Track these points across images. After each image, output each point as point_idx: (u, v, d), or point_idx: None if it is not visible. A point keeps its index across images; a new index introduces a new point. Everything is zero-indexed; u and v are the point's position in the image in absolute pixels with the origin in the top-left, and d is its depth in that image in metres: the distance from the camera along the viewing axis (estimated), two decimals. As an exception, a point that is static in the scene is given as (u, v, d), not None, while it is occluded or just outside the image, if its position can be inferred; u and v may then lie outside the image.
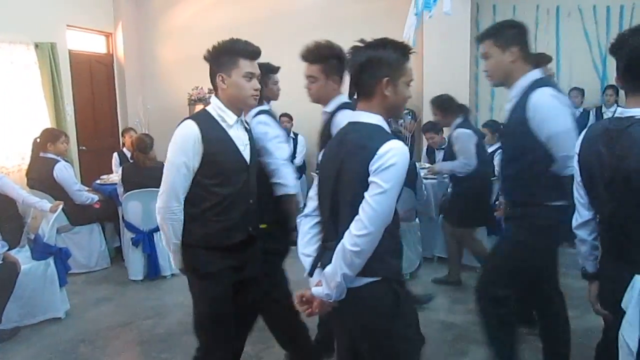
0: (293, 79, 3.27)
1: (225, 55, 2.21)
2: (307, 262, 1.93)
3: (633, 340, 1.73)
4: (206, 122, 2.20)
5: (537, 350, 3.29)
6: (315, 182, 2.02)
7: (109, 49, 7.85)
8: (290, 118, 6.62)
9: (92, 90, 7.37)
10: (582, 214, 2.05)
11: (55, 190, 4.56)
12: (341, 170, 1.81)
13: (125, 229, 4.76)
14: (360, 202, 1.72)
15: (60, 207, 4.04)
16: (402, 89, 1.84)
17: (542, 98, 2.39)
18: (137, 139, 4.93)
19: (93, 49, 7.58)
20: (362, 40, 1.84)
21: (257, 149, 2.42)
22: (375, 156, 1.71)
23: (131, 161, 5.40)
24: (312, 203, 2.01)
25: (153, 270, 4.65)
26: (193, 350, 2.36)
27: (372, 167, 1.71)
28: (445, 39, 6.48)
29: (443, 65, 6.73)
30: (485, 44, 2.58)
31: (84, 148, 6.93)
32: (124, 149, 6.35)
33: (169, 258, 4.61)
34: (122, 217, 4.82)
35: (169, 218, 2.17)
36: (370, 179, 1.71)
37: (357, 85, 1.86)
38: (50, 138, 4.72)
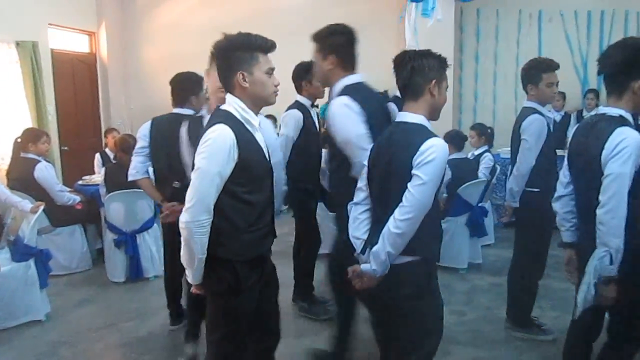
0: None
1: (243, 51, 2.04)
2: (357, 243, 2.20)
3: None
4: (236, 125, 2.01)
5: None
6: (364, 175, 2.24)
7: (92, 48, 7.78)
8: (275, 119, 6.62)
9: (75, 90, 7.30)
10: (559, 190, 2.48)
11: (36, 190, 4.51)
12: (390, 164, 2.06)
13: (108, 230, 4.72)
14: (405, 192, 1.96)
15: (41, 208, 3.99)
16: (444, 92, 2.12)
17: (334, 107, 2.56)
18: (121, 139, 4.89)
19: (76, 48, 7.50)
20: (411, 50, 2.12)
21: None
22: (418, 152, 1.96)
23: (114, 162, 5.36)
24: (362, 193, 2.25)
25: (135, 272, 4.61)
26: (175, 352, 2.33)
27: (415, 161, 1.96)
28: (429, 43, 6.50)
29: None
30: (313, 47, 2.79)
31: (66, 148, 6.85)
32: (107, 150, 6.29)
33: (152, 259, 4.67)
34: (105, 219, 4.77)
35: (197, 232, 1.96)
36: (413, 171, 1.96)
37: (406, 87, 2.10)
38: (31, 138, 4.66)
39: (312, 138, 3.76)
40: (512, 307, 3.54)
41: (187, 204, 1.97)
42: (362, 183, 2.26)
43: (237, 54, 2.04)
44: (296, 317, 3.83)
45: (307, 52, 3.89)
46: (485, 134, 5.53)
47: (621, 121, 2.14)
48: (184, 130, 2.98)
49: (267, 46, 2.08)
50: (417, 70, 2.07)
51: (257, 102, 2.11)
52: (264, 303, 2.27)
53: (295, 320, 3.78)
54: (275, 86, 2.14)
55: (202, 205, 1.96)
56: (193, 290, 2.17)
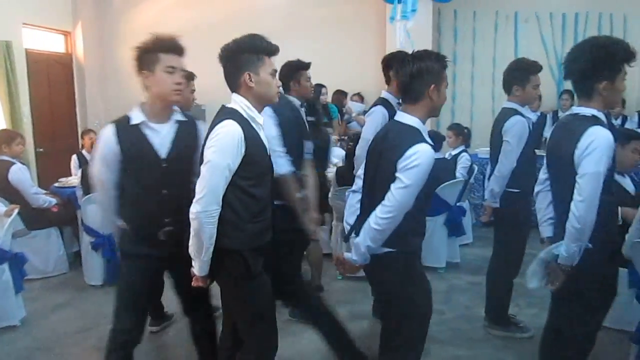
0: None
1: (249, 53, 2.17)
2: (347, 229, 2.41)
3: (530, 269, 2.33)
4: (242, 121, 2.13)
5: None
6: (363, 164, 2.36)
7: (68, 48, 7.66)
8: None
9: (50, 91, 7.18)
10: (538, 186, 2.56)
11: (10, 193, 4.43)
12: (379, 161, 2.19)
13: (85, 233, 4.65)
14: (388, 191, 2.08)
15: (16, 211, 3.92)
16: (443, 92, 2.20)
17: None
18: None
19: (51, 48, 7.38)
20: (411, 53, 2.20)
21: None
22: (403, 156, 2.06)
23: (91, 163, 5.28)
24: (359, 181, 2.39)
25: (113, 275, 4.53)
26: (154, 355, 2.33)
27: (399, 164, 2.07)
28: (408, 44, 6.57)
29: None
30: None
31: (41, 150, 6.73)
32: (84, 151, 6.18)
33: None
34: (81, 221, 4.70)
35: (207, 222, 2.07)
36: (396, 174, 2.07)
37: (405, 91, 2.20)
38: (5, 139, 4.57)
39: (303, 139, 3.73)
40: (490, 305, 3.59)
41: (198, 195, 2.07)
42: (360, 171, 2.41)
43: (245, 55, 2.17)
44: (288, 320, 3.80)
45: (289, 52, 3.88)
46: (462, 134, 5.59)
47: (594, 121, 2.18)
48: None
49: (271, 49, 2.22)
50: (416, 76, 2.14)
51: (262, 101, 2.24)
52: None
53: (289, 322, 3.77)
54: (278, 87, 2.30)
55: (212, 196, 2.06)
56: (194, 283, 2.22)
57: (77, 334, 3.68)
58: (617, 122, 6.84)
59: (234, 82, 2.21)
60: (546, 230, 2.51)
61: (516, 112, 3.26)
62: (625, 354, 2.96)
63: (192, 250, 2.14)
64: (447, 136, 5.52)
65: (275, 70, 2.26)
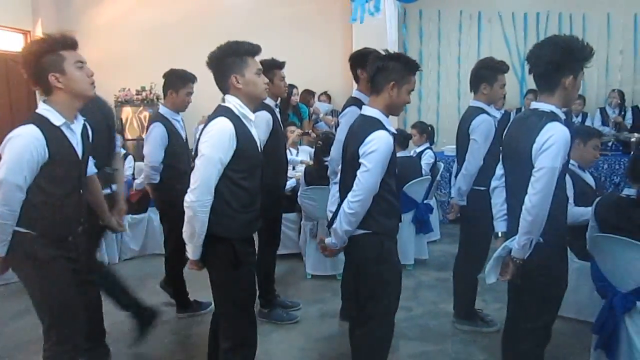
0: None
1: (233, 57, 2.33)
2: (329, 216, 2.66)
3: (489, 278, 2.40)
4: (234, 119, 2.28)
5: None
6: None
7: (27, 48, 7.44)
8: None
9: (9, 92, 6.97)
10: (494, 182, 2.60)
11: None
12: (347, 151, 2.47)
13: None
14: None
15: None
16: (404, 94, 2.39)
17: None
18: None
19: (9, 48, 7.16)
20: (385, 50, 2.47)
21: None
22: (363, 142, 2.29)
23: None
24: (339, 174, 2.65)
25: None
26: (124, 356, 2.27)
27: (361, 151, 2.30)
28: (373, 43, 6.58)
29: (372, 67, 6.86)
30: None
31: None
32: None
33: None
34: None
35: (201, 211, 2.22)
36: (360, 160, 2.30)
37: (371, 83, 2.42)
38: None
39: (280, 139, 3.71)
40: (457, 301, 3.63)
41: (193, 186, 2.23)
42: (330, 170, 2.80)
43: (227, 60, 2.33)
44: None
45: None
46: (426, 131, 5.65)
47: (552, 117, 2.22)
48: None
49: (254, 50, 2.38)
50: (381, 70, 2.37)
51: (251, 99, 2.40)
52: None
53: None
54: (266, 84, 2.44)
55: (205, 187, 2.22)
56: (189, 265, 2.41)
57: (38, 343, 3.56)
58: (577, 119, 7.02)
59: (223, 86, 2.37)
60: (500, 225, 2.54)
61: (482, 111, 3.30)
62: (587, 343, 3.03)
63: (185, 235, 2.30)
64: (412, 134, 5.57)
65: (261, 70, 2.39)
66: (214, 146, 2.22)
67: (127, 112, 7.39)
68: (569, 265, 3.46)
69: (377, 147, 2.28)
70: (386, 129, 2.34)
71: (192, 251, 2.33)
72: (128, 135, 7.29)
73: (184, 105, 3.70)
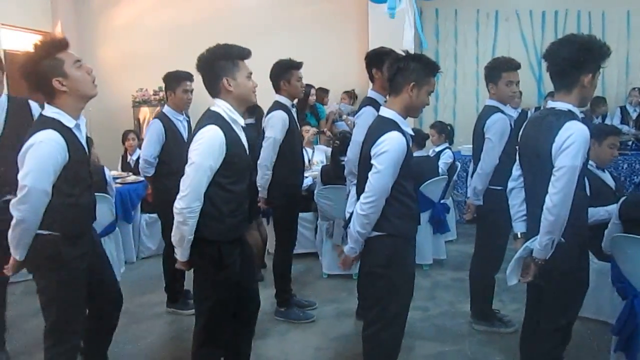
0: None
1: (225, 60, 2.33)
2: (347, 217, 2.65)
3: (511, 279, 2.36)
4: (224, 125, 2.30)
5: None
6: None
7: (47, 49, 7.55)
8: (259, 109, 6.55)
9: (30, 91, 7.07)
10: (511, 183, 2.57)
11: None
12: (362, 152, 2.47)
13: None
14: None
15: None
16: (423, 95, 2.36)
17: None
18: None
19: (29, 49, 7.27)
20: (404, 51, 2.43)
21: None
22: (375, 143, 2.28)
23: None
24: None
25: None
26: (140, 356, 2.31)
27: (372, 152, 2.30)
28: (390, 41, 6.58)
29: (388, 67, 6.85)
30: None
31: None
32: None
33: (113, 264, 4.52)
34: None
35: (190, 217, 2.24)
36: (371, 161, 2.29)
37: (390, 84, 2.39)
38: None
39: (296, 139, 3.74)
40: (474, 301, 3.61)
41: (182, 193, 2.24)
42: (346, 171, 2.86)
43: (219, 63, 2.33)
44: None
45: (271, 51, 3.89)
46: (445, 131, 5.63)
47: (570, 115, 2.21)
48: None
49: (245, 53, 2.39)
50: (401, 71, 2.34)
51: (241, 102, 2.41)
52: (245, 276, 2.55)
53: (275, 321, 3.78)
54: (255, 87, 2.44)
55: (195, 194, 2.24)
56: (178, 265, 2.42)
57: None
58: (597, 120, 6.93)
59: (214, 88, 2.36)
60: (520, 226, 2.53)
61: (497, 110, 3.28)
62: (607, 345, 3.00)
63: (174, 240, 2.33)
64: (430, 134, 5.55)
65: (250, 73, 2.40)
66: (204, 154, 2.23)
67: (144, 112, 7.47)
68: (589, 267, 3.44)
69: (388, 147, 2.25)
70: (401, 131, 2.31)
71: (181, 253, 2.35)
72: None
73: (183, 103, 3.79)
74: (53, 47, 2.26)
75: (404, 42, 5.67)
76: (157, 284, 4.08)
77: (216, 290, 2.41)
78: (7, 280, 3.21)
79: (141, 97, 7.43)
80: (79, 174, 2.32)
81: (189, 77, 3.71)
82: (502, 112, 3.29)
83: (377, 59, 3.24)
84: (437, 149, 5.55)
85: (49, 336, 2.39)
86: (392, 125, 2.31)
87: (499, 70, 3.29)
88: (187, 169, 2.25)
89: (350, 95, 7.42)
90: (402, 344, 2.57)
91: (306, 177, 4.93)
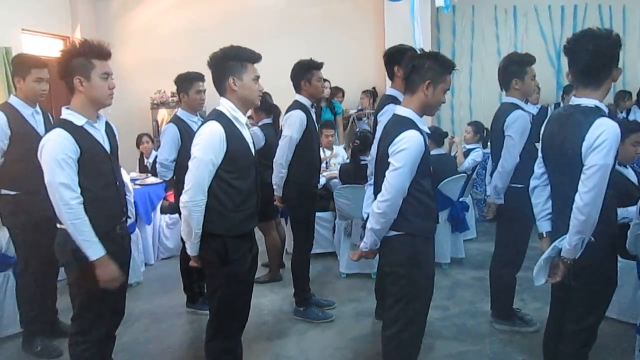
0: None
1: (234, 61, 2.41)
2: (365, 217, 2.61)
3: (538, 280, 2.31)
4: (226, 122, 2.38)
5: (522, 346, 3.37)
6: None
7: (67, 53, 7.66)
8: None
9: (51, 95, 7.14)
10: (533, 182, 2.53)
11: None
12: (379, 151, 2.47)
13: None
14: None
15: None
16: (439, 93, 2.35)
17: None
18: None
19: (50, 53, 7.38)
20: (420, 49, 2.47)
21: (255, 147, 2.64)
22: (393, 142, 2.27)
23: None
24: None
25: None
26: (158, 357, 2.33)
27: (390, 150, 2.29)
28: (407, 41, 6.55)
29: (405, 64, 6.83)
30: None
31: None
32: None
33: (134, 265, 4.58)
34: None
35: (195, 210, 2.32)
36: (388, 159, 2.28)
37: (406, 82, 2.39)
38: None
39: (314, 138, 3.74)
40: (494, 300, 3.58)
41: (186, 187, 2.32)
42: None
43: (229, 62, 2.41)
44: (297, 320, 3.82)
45: (287, 52, 3.90)
46: (480, 132, 5.69)
47: (598, 112, 2.15)
48: None
49: (255, 57, 2.47)
50: (416, 69, 2.33)
51: (244, 103, 2.48)
52: (253, 275, 2.65)
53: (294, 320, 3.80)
54: (261, 91, 2.52)
55: (198, 188, 2.31)
56: (191, 263, 2.52)
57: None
58: (622, 115, 6.82)
59: (220, 86, 2.45)
60: (545, 225, 2.48)
61: (517, 107, 3.23)
62: (631, 345, 2.95)
63: (183, 234, 2.43)
64: (465, 131, 5.63)
65: (258, 77, 2.48)
66: (205, 149, 2.31)
67: (162, 113, 7.54)
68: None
69: (407, 145, 2.24)
70: (418, 129, 2.30)
71: (190, 248, 2.43)
72: (162, 137, 7.44)
73: (197, 103, 3.80)
74: (92, 51, 2.35)
75: (421, 40, 5.66)
76: (177, 284, 4.11)
77: (223, 284, 2.47)
78: (57, 270, 3.43)
79: (159, 99, 7.51)
80: (98, 170, 2.41)
81: (200, 77, 3.73)
82: (522, 108, 3.24)
83: (398, 56, 3.22)
84: (469, 146, 5.55)
85: (71, 326, 2.50)
86: (409, 124, 2.31)
87: (524, 65, 3.25)
88: (190, 163, 2.34)
89: (370, 93, 7.34)
90: (423, 343, 2.55)
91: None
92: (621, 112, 6.83)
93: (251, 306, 2.68)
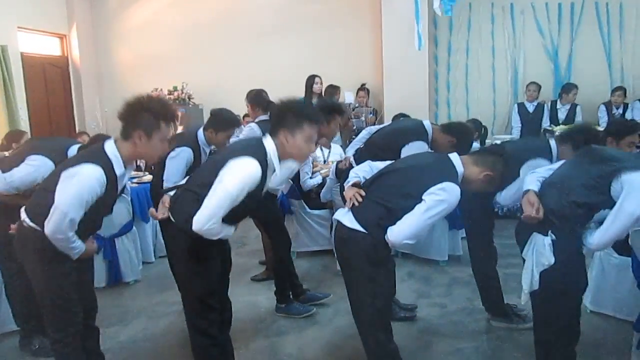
0: (253, 82, 3.23)
1: (292, 116, 2.37)
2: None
3: (526, 282, 2.38)
4: (264, 164, 2.32)
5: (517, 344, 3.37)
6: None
7: (64, 51, 7.66)
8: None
9: (47, 94, 7.18)
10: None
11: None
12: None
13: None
14: None
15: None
16: (300, 141, 2.39)
17: None
18: (93, 139, 4.84)
19: (47, 51, 7.37)
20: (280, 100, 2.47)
21: None
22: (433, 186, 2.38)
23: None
24: None
25: (115, 277, 4.55)
26: (157, 356, 2.33)
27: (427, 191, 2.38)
28: (404, 38, 6.56)
29: (402, 63, 6.83)
30: None
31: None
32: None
33: (131, 264, 4.59)
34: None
35: (210, 231, 2.29)
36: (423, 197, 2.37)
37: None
38: (16, 138, 4.64)
39: None
40: (485, 298, 3.58)
41: (204, 210, 2.26)
42: None
43: (287, 116, 2.38)
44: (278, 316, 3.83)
45: (285, 49, 3.90)
46: (478, 130, 5.66)
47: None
48: None
49: (315, 117, 2.44)
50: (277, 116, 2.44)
51: (286, 156, 2.44)
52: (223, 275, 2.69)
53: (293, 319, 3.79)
54: (312, 151, 2.58)
55: (215, 217, 2.27)
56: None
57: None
58: (618, 111, 6.83)
59: (275, 129, 2.41)
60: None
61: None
62: (627, 342, 2.96)
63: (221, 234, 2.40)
64: None
65: (315, 139, 2.46)
66: (239, 186, 2.26)
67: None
68: (608, 261, 3.40)
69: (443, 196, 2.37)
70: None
71: (225, 234, 2.41)
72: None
73: (220, 145, 3.66)
74: (162, 112, 2.34)
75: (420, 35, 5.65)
76: (175, 282, 4.10)
77: (199, 280, 2.48)
78: None
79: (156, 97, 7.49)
80: (103, 207, 2.45)
81: (239, 124, 3.73)
82: None
83: None
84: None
85: (49, 328, 2.52)
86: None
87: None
88: (217, 187, 2.27)
89: (367, 91, 7.32)
90: (419, 340, 2.57)
91: (314, 176, 4.96)
92: (617, 108, 6.83)
93: (248, 304, 2.69)
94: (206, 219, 2.25)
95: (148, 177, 5.39)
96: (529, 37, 7.45)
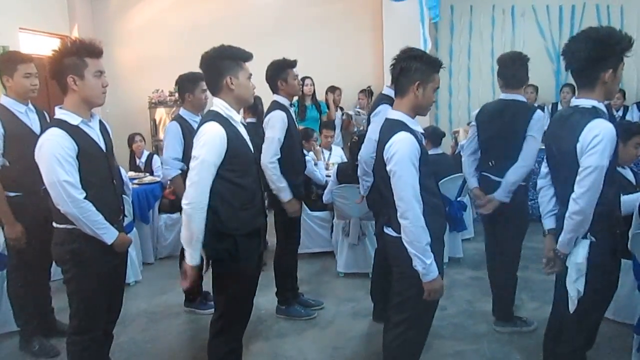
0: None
1: (230, 60, 2.42)
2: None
3: (573, 290, 2.23)
4: (224, 122, 2.36)
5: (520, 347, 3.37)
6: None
7: (65, 52, 7.64)
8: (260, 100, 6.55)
9: (49, 94, 7.16)
10: (540, 181, 2.52)
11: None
12: (377, 156, 2.38)
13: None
14: (389, 185, 2.22)
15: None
16: (429, 93, 2.29)
17: None
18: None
19: (48, 52, 7.36)
20: (403, 51, 2.33)
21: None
22: (385, 148, 2.22)
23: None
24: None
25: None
26: (157, 357, 2.33)
27: (385, 157, 2.22)
28: (405, 37, 6.54)
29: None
30: None
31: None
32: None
33: (131, 264, 4.59)
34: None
35: (196, 212, 2.27)
36: (387, 167, 2.21)
37: (396, 85, 2.34)
38: None
39: (296, 137, 3.71)
40: (498, 303, 3.54)
41: (188, 189, 2.30)
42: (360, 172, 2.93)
43: (224, 62, 2.41)
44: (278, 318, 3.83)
45: (283, 51, 3.88)
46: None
47: (594, 113, 2.15)
48: None
49: (247, 55, 2.47)
50: (404, 71, 2.28)
51: (240, 101, 2.49)
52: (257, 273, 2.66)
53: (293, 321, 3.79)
54: (254, 89, 2.54)
55: (200, 189, 2.28)
56: (182, 282, 2.43)
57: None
58: (618, 113, 6.82)
59: (214, 86, 2.45)
60: (549, 223, 2.47)
61: (537, 107, 3.27)
62: (627, 345, 2.95)
63: (183, 240, 2.34)
64: (464, 130, 5.56)
65: (251, 75, 2.49)
66: (206, 150, 2.29)
67: (160, 112, 7.52)
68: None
69: (397, 148, 2.17)
70: (410, 130, 2.24)
71: (190, 255, 2.33)
72: (161, 136, 7.42)
73: (202, 103, 3.77)
74: (84, 49, 2.37)
75: (419, 41, 5.66)
76: (176, 283, 4.10)
77: (231, 281, 2.47)
78: (50, 269, 3.50)
79: (157, 98, 7.49)
80: (96, 168, 2.42)
81: (201, 76, 3.71)
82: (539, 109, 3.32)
83: None
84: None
85: (71, 324, 2.51)
86: (400, 126, 2.25)
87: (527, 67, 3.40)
88: (192, 164, 2.32)
89: (368, 93, 7.32)
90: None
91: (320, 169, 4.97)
92: (617, 111, 6.83)
93: (249, 305, 2.69)
94: (192, 194, 2.28)
95: (148, 178, 5.41)
96: (530, 40, 7.45)
